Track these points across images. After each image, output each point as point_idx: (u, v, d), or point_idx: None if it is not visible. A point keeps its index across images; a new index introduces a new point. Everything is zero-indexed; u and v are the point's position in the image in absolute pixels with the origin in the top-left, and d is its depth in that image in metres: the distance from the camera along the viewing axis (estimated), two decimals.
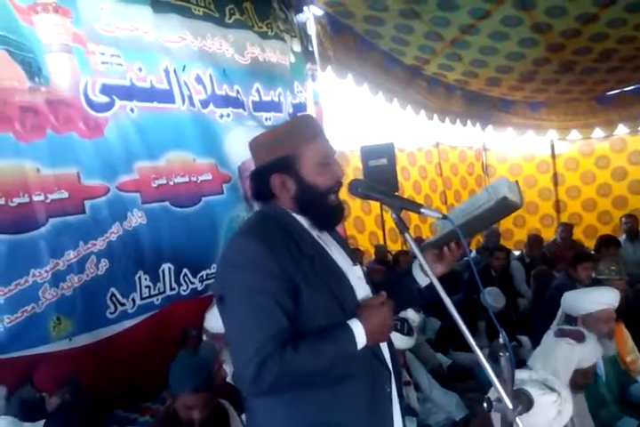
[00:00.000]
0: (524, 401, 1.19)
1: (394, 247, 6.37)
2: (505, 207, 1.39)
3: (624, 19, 5.01)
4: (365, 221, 6.57)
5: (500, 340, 1.20)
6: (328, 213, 1.45)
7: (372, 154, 5.61)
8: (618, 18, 4.99)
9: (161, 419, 2.21)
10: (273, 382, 1.23)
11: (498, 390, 1.15)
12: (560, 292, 3.08)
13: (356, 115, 7.28)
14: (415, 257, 1.44)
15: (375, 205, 6.32)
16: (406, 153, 7.38)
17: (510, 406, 1.15)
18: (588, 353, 2.38)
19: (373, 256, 5.96)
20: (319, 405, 1.33)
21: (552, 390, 1.76)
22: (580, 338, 2.42)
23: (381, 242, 6.14)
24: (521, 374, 1.87)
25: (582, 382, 2.38)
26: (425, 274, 1.54)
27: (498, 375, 1.17)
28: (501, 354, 1.18)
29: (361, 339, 1.31)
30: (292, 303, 1.30)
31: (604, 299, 2.77)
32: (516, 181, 1.47)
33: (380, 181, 5.26)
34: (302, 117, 1.68)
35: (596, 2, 4.73)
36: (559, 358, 2.33)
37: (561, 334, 2.46)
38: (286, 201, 1.44)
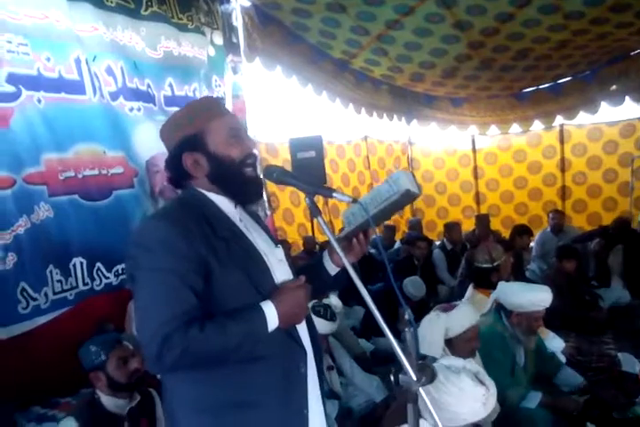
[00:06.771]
0: (427, 374, 1.24)
1: (322, 239, 6.43)
2: (407, 197, 1.46)
3: (538, 19, 5.25)
4: (294, 213, 6.60)
5: (406, 316, 1.26)
6: (245, 186, 1.45)
7: (300, 146, 5.62)
8: (532, 18, 5.23)
9: (83, 408, 2.12)
10: (176, 360, 1.22)
11: (402, 362, 1.20)
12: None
13: (285, 107, 7.29)
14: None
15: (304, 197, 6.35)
16: (335, 146, 7.47)
17: (414, 378, 1.20)
18: (455, 321, 2.42)
19: (302, 248, 6.01)
20: (229, 384, 1.34)
21: (482, 383, 1.85)
22: (447, 308, 2.48)
23: (310, 233, 6.19)
24: (456, 362, 1.94)
25: (467, 347, 2.44)
26: (335, 263, 1.59)
27: (403, 350, 1.23)
28: (406, 329, 1.24)
29: (272, 320, 1.32)
30: (202, 284, 1.29)
31: (542, 301, 2.77)
32: (412, 173, 1.57)
33: (309, 172, 5.28)
34: (204, 98, 1.71)
35: (513, 2, 4.92)
36: (427, 329, 2.41)
37: (436, 308, 2.54)
38: (202, 180, 1.44)
